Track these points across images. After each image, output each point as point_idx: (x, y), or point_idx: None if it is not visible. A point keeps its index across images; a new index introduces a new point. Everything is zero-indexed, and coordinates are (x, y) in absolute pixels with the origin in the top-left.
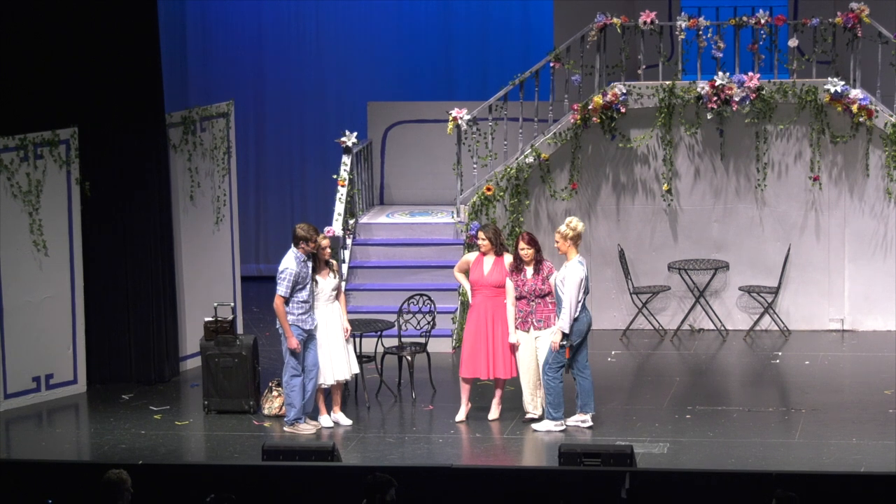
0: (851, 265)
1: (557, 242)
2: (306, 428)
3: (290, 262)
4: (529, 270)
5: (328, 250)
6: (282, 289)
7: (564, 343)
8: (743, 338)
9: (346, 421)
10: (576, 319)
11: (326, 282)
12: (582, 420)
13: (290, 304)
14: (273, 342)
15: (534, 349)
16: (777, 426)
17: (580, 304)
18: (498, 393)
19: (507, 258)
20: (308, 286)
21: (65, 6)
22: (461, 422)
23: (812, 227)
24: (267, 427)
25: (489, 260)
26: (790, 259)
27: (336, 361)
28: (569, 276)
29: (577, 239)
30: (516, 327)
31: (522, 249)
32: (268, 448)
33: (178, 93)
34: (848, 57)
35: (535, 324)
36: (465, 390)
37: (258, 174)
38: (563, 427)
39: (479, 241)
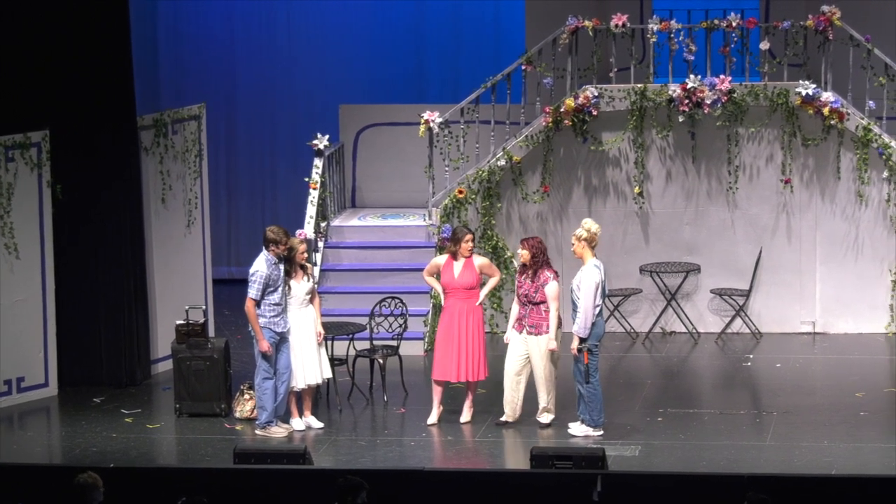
0: (823, 268)
1: (573, 245)
2: (278, 431)
3: (261, 265)
4: (531, 275)
5: (304, 254)
6: (252, 291)
7: (582, 347)
8: (714, 340)
9: (317, 424)
10: (593, 324)
11: (300, 285)
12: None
13: (262, 307)
14: (245, 345)
15: (520, 353)
16: (749, 429)
17: (598, 309)
18: (469, 396)
19: (478, 260)
20: (280, 289)
21: (36, 9)
22: (433, 425)
23: (783, 229)
24: (238, 430)
25: (460, 263)
26: (762, 262)
27: (308, 365)
28: (584, 281)
29: (591, 240)
30: (512, 326)
31: (522, 251)
32: (239, 451)
33: (150, 95)
34: (819, 60)
35: (528, 329)
36: (437, 393)
37: (229, 177)
38: (602, 433)
39: (469, 244)
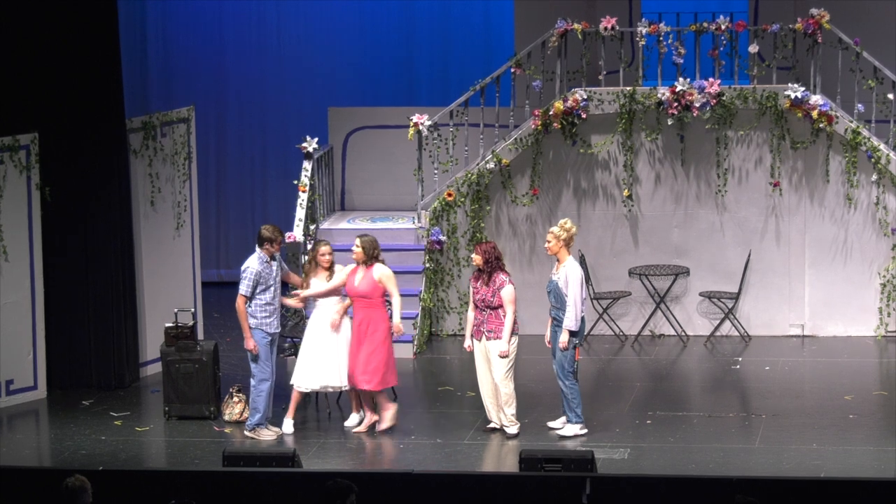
0: (811, 271)
1: (549, 243)
2: (267, 434)
3: (253, 262)
4: (486, 279)
5: (327, 257)
6: (243, 287)
7: (575, 342)
8: (703, 343)
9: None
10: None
11: (321, 283)
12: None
13: (253, 307)
14: (234, 348)
15: (486, 359)
16: (737, 432)
17: (584, 302)
18: (367, 403)
19: (379, 269)
20: (272, 288)
21: (24, 11)
22: (355, 428)
23: (772, 232)
24: (228, 433)
25: (361, 271)
26: (750, 264)
27: (326, 367)
28: (571, 275)
29: (569, 241)
30: (471, 334)
31: (473, 256)
32: (228, 454)
33: (139, 98)
34: (808, 63)
35: (487, 334)
36: (352, 398)
37: (219, 180)
38: (586, 430)
39: (353, 249)
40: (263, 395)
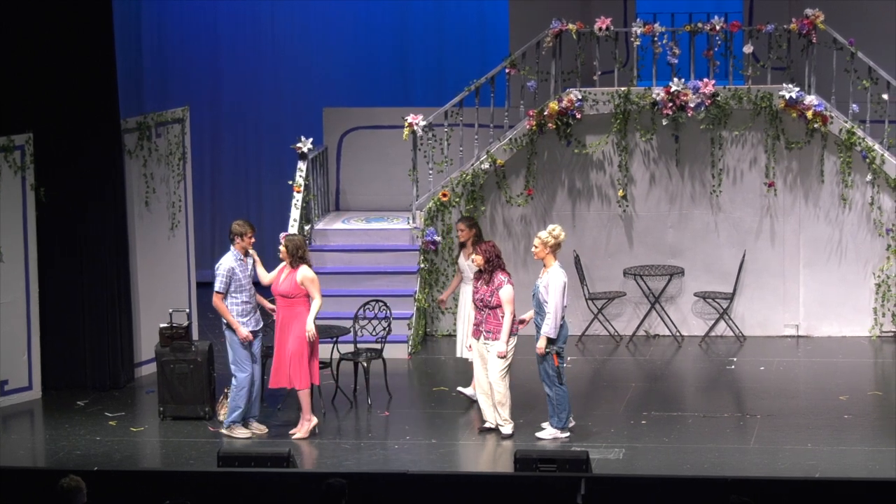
0: (806, 271)
1: (536, 248)
2: (241, 432)
3: (228, 260)
4: (486, 279)
5: (464, 232)
6: (217, 285)
7: (550, 349)
8: (698, 343)
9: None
10: (561, 325)
11: (467, 263)
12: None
13: (230, 306)
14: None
15: (483, 358)
16: (732, 432)
17: (564, 309)
18: (303, 404)
19: (302, 272)
20: (247, 287)
21: (19, 12)
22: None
23: (767, 232)
24: (222, 433)
25: (286, 271)
26: (745, 265)
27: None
28: (552, 282)
29: (556, 247)
30: (471, 333)
31: (474, 255)
32: (223, 454)
33: (134, 98)
34: (803, 63)
35: (485, 334)
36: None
37: (213, 180)
38: (568, 434)
39: (280, 248)
40: (243, 392)
